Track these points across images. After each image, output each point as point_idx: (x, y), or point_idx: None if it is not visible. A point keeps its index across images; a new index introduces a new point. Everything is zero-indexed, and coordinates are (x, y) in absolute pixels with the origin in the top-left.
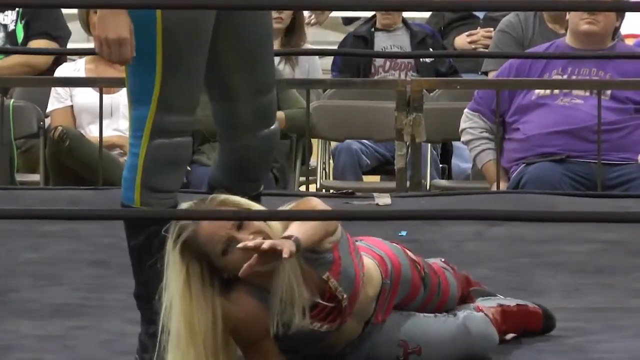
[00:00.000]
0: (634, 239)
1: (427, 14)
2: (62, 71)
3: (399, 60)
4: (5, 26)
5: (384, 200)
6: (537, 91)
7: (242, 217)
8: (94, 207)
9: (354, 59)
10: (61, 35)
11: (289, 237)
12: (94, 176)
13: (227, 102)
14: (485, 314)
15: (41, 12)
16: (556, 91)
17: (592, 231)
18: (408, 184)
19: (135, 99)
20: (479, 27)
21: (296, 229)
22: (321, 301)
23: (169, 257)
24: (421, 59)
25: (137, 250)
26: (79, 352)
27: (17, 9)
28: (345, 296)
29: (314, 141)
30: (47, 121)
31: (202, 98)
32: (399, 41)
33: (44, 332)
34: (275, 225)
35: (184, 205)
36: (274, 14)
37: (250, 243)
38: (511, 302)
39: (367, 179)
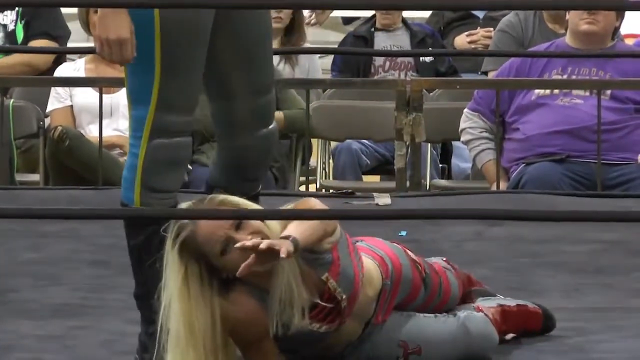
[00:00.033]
0: (634, 239)
1: (427, 14)
2: (61, 71)
3: (398, 60)
4: (4, 26)
5: (383, 200)
6: (537, 91)
7: (241, 216)
8: (93, 207)
9: (354, 59)
10: (61, 35)
11: (286, 237)
12: (94, 176)
13: (225, 101)
14: (485, 314)
15: (41, 11)
16: (556, 91)
17: (592, 231)
18: (408, 183)
19: (135, 98)
20: (478, 27)
21: (294, 229)
22: (320, 302)
23: (167, 256)
24: (421, 59)
25: (137, 250)
26: (79, 352)
27: (16, 9)
28: (344, 297)
29: (314, 141)
30: (47, 121)
31: (201, 97)
32: (399, 41)
33: (44, 332)
34: (274, 225)
35: (183, 206)
36: (273, 13)
37: (248, 243)
38: (511, 302)
39: (367, 179)
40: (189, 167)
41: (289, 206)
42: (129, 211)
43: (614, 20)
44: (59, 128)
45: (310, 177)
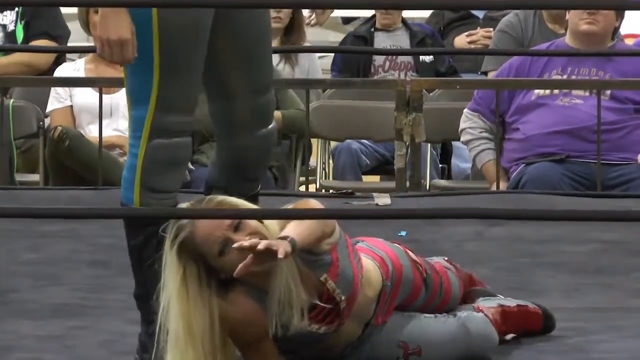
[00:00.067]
0: (634, 239)
1: (426, 14)
2: (61, 71)
3: (398, 60)
4: (4, 26)
5: (383, 200)
6: (536, 91)
7: (240, 216)
8: (93, 207)
9: (354, 59)
10: (61, 34)
11: (284, 238)
12: (94, 176)
13: (225, 101)
14: (485, 314)
15: (41, 11)
16: (556, 91)
17: (592, 231)
18: (408, 184)
19: (134, 99)
20: (478, 27)
21: (292, 229)
22: (319, 302)
23: (166, 257)
24: (421, 59)
25: (137, 250)
26: (79, 352)
27: (16, 9)
28: (343, 298)
29: (314, 141)
30: (47, 121)
31: (202, 98)
32: (399, 41)
33: (44, 332)
34: (272, 226)
35: (182, 206)
36: (273, 13)
37: (246, 243)
38: (511, 302)
39: (367, 179)
40: (191, 167)
41: (289, 207)
42: (128, 211)
43: (614, 20)
44: (59, 128)
45: (310, 177)
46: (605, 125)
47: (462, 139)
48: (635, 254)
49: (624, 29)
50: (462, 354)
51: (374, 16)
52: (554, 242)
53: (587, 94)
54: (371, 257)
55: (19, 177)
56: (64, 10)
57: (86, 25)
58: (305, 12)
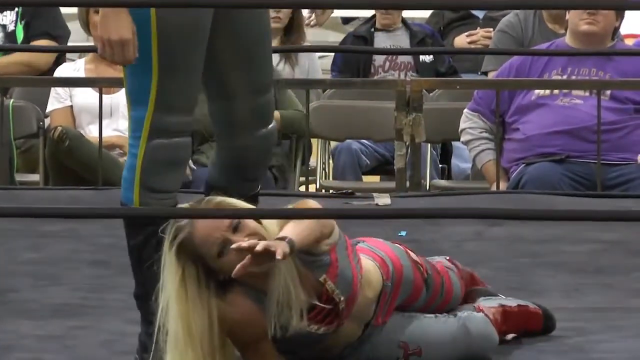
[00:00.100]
0: (634, 239)
1: (426, 14)
2: (61, 71)
3: (398, 60)
4: (4, 27)
5: (383, 200)
6: (536, 91)
7: (240, 216)
8: (93, 207)
9: (354, 59)
10: (61, 34)
11: (282, 239)
12: (94, 176)
13: (225, 101)
14: (485, 314)
15: (41, 11)
16: (556, 91)
17: (592, 231)
18: (408, 184)
19: (134, 99)
20: (478, 27)
21: (291, 230)
22: (318, 303)
23: (165, 258)
24: (421, 59)
25: (137, 250)
26: (79, 352)
27: (16, 9)
28: (342, 298)
29: (314, 141)
30: (47, 121)
31: (201, 98)
32: (399, 41)
33: (44, 332)
34: (271, 227)
35: (182, 207)
36: (272, 13)
37: (244, 244)
38: (512, 302)
39: (367, 179)
40: (193, 166)
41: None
42: (128, 210)
43: (614, 20)
44: (59, 128)
45: (310, 177)
46: (605, 125)
47: (462, 139)
48: (635, 254)
49: (624, 29)
50: (462, 354)
51: (374, 16)
52: (554, 242)
53: (587, 94)
54: (371, 257)
55: (19, 177)
56: (64, 10)
57: (86, 25)
58: (305, 13)
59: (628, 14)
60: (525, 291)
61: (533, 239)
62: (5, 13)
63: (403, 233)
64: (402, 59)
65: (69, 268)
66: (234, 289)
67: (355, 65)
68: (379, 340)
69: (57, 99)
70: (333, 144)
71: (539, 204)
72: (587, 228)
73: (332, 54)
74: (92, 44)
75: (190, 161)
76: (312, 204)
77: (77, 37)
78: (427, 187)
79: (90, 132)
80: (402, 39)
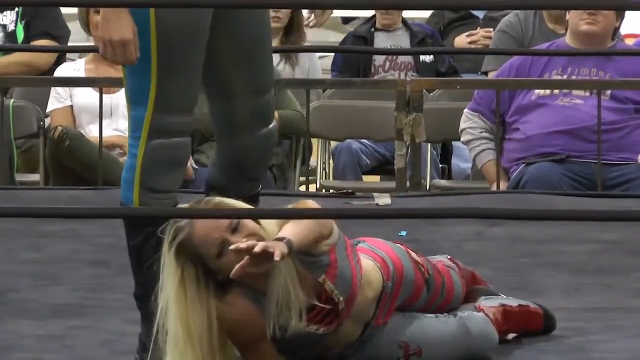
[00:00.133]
0: (634, 239)
1: (427, 14)
2: (61, 71)
3: (399, 60)
4: (4, 26)
5: (383, 200)
6: (537, 91)
7: (239, 216)
8: (93, 207)
9: (354, 59)
10: (61, 34)
11: (281, 239)
12: (94, 176)
13: (225, 100)
14: (485, 313)
15: (41, 11)
16: (556, 91)
17: (592, 231)
18: (408, 184)
19: (133, 99)
20: (478, 27)
21: (289, 231)
22: (318, 303)
23: (164, 259)
24: (421, 59)
25: (137, 250)
26: (79, 352)
27: (16, 9)
28: (341, 299)
29: (314, 141)
30: (47, 121)
31: (201, 97)
32: (399, 41)
33: (44, 332)
34: (270, 228)
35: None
36: (272, 13)
37: (243, 245)
38: (513, 302)
39: (367, 178)
40: (195, 166)
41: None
42: (128, 211)
43: (614, 20)
44: (59, 128)
45: (310, 177)
46: (605, 125)
47: (462, 139)
48: (635, 254)
49: (624, 29)
50: (462, 354)
51: (374, 16)
52: (554, 242)
53: (588, 94)
54: (372, 257)
55: (19, 177)
56: (64, 10)
57: (86, 25)
58: (304, 13)
59: (628, 14)
60: (525, 291)
61: (533, 239)
62: (5, 13)
63: (403, 233)
64: (402, 58)
65: (69, 268)
66: (233, 290)
67: (355, 65)
68: (379, 340)
69: (57, 98)
70: (333, 143)
71: (539, 204)
72: (587, 228)
73: (332, 53)
74: (92, 44)
75: (192, 161)
76: (312, 204)
77: (77, 37)
78: (428, 187)
79: (91, 131)
80: (402, 39)
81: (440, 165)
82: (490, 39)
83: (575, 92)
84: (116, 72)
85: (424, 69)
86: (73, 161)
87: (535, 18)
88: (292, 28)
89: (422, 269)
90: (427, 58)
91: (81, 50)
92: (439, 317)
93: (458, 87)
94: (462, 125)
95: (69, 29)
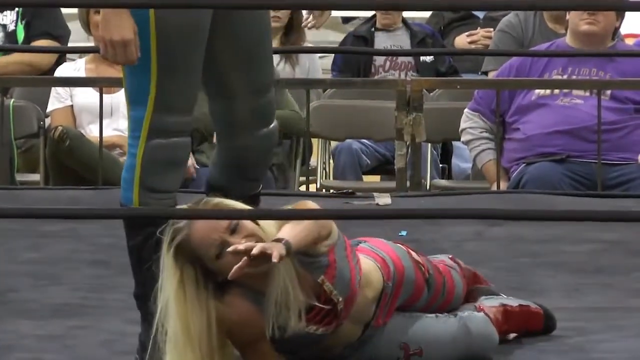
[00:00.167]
0: (634, 239)
1: (427, 14)
2: (62, 71)
3: (399, 60)
4: (4, 26)
5: (384, 200)
6: (537, 91)
7: (239, 216)
8: (93, 207)
9: (354, 59)
10: (62, 34)
11: (279, 240)
12: (94, 176)
13: (225, 100)
14: (486, 313)
15: (42, 11)
16: (556, 91)
17: (592, 231)
18: (408, 183)
19: (133, 99)
20: (479, 27)
21: (288, 232)
22: (317, 304)
23: (163, 260)
24: (421, 59)
25: (136, 250)
26: (79, 352)
27: (17, 9)
28: (340, 299)
29: (314, 141)
30: (47, 121)
31: (201, 97)
32: (399, 41)
33: (44, 332)
34: (269, 228)
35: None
36: (271, 12)
37: (241, 246)
38: (514, 302)
39: (367, 178)
40: (197, 166)
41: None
42: (128, 211)
43: (614, 20)
44: (60, 128)
45: (310, 177)
46: (605, 125)
47: (462, 138)
48: (635, 254)
49: (624, 29)
50: (462, 353)
51: (374, 16)
52: (554, 242)
53: (588, 94)
54: (372, 258)
55: (20, 177)
56: (64, 10)
57: (86, 25)
58: (303, 14)
59: (628, 13)
60: (525, 291)
61: (533, 239)
62: (5, 13)
63: (403, 233)
64: (402, 58)
65: (69, 268)
66: (233, 290)
67: (355, 65)
68: (379, 340)
69: (58, 98)
70: (333, 143)
71: (539, 203)
72: (587, 228)
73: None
74: (92, 44)
75: (194, 160)
76: (311, 205)
77: (78, 37)
78: (428, 187)
79: (91, 131)
80: (402, 39)
81: (441, 165)
82: (490, 39)
83: (575, 92)
84: (116, 72)
85: (424, 69)
86: (73, 161)
87: (536, 18)
88: (292, 28)
89: (423, 269)
90: (428, 58)
91: (81, 51)
92: (439, 317)
93: (458, 87)
94: (462, 125)
95: (69, 29)
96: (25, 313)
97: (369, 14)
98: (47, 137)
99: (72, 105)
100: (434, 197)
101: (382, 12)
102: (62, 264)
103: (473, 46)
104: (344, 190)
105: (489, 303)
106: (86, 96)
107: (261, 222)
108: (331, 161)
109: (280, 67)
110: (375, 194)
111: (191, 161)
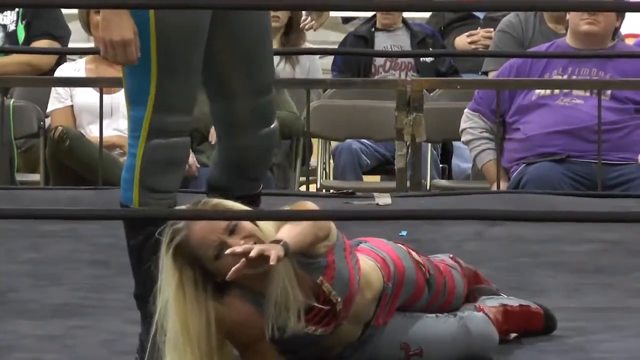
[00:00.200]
0: (634, 239)
1: (427, 14)
2: (62, 71)
3: (399, 60)
4: (4, 26)
5: (384, 200)
6: (537, 91)
7: (239, 217)
8: (93, 207)
9: (355, 59)
10: (62, 35)
11: (277, 242)
12: (94, 176)
13: (225, 100)
14: (485, 313)
15: (42, 12)
16: (556, 91)
17: (592, 231)
18: (408, 184)
19: (133, 99)
20: (479, 27)
21: (286, 233)
22: (316, 304)
23: (162, 261)
24: (421, 59)
25: (136, 250)
26: (79, 352)
27: (17, 9)
28: (339, 300)
29: (314, 141)
30: (47, 121)
31: (202, 96)
32: (399, 41)
33: (44, 332)
34: (268, 229)
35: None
36: (271, 12)
37: (239, 249)
38: (514, 302)
39: (367, 178)
40: (198, 164)
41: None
42: (128, 212)
43: (615, 20)
44: (60, 128)
45: (310, 177)
46: (605, 125)
47: (462, 139)
48: (635, 254)
49: (624, 29)
50: (462, 354)
51: (374, 16)
52: (554, 242)
53: (588, 94)
54: (373, 258)
55: (20, 177)
56: (64, 10)
57: (87, 26)
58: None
59: (628, 13)
60: (525, 291)
61: (533, 239)
62: (5, 13)
63: (404, 233)
64: (402, 59)
65: (69, 268)
66: (232, 291)
67: (355, 65)
68: (380, 340)
69: (58, 98)
70: (333, 143)
71: (539, 204)
72: (587, 228)
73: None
74: (92, 44)
75: (195, 158)
76: (310, 205)
77: (78, 37)
78: (428, 187)
79: (91, 131)
80: (402, 39)
81: (441, 165)
82: (490, 39)
83: (575, 92)
84: (116, 72)
85: (424, 69)
86: (73, 161)
87: (536, 18)
88: (292, 28)
89: (424, 269)
90: (428, 58)
91: (81, 52)
92: (439, 317)
93: (458, 87)
94: (463, 125)
95: (69, 29)
96: (25, 313)
97: (369, 14)
98: (47, 137)
99: (72, 106)
100: (434, 197)
101: (382, 12)
102: (62, 264)
103: (473, 46)
104: (344, 191)
105: (489, 303)
106: (86, 96)
107: (260, 222)
108: (331, 161)
109: (281, 67)
110: (375, 194)
111: (193, 159)
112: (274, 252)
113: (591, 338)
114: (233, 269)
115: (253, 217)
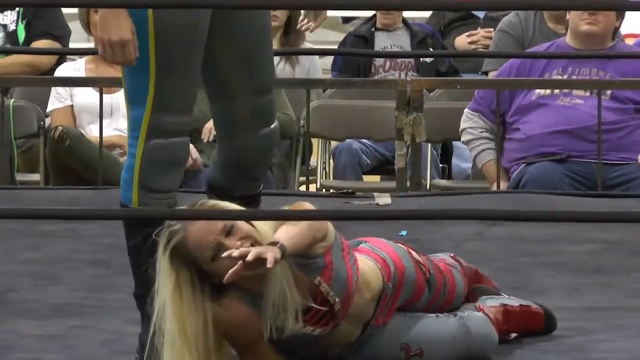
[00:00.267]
0: (634, 239)
1: (427, 14)
2: (62, 71)
3: (399, 60)
4: (5, 26)
5: (384, 200)
6: (537, 91)
7: (238, 217)
8: (93, 207)
9: (354, 59)
10: (62, 34)
11: (274, 244)
12: (94, 176)
13: (225, 100)
14: (485, 313)
15: (42, 11)
16: (556, 91)
17: (592, 231)
18: (408, 183)
19: (132, 99)
20: (479, 27)
21: (283, 234)
22: (314, 305)
23: (159, 262)
24: (421, 59)
25: (136, 250)
26: (79, 352)
27: (17, 9)
28: (337, 300)
29: (314, 141)
30: (47, 121)
31: (201, 96)
32: (399, 41)
33: (44, 332)
34: (265, 230)
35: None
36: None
37: (235, 252)
38: (514, 302)
39: (367, 178)
40: (202, 160)
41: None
42: (128, 212)
43: (614, 20)
44: (60, 128)
45: (310, 177)
46: (605, 125)
47: (462, 138)
48: (635, 254)
49: (624, 29)
50: (462, 353)
51: (374, 16)
52: (554, 242)
53: (588, 93)
54: (373, 258)
55: (20, 176)
56: (64, 10)
57: (87, 25)
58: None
59: (628, 13)
60: (525, 291)
61: (533, 239)
62: (6, 13)
63: (404, 233)
64: (402, 58)
65: (69, 268)
66: (229, 293)
67: (355, 65)
68: (380, 340)
69: (58, 98)
70: (333, 143)
71: (539, 204)
72: (587, 228)
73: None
74: (92, 44)
75: (198, 154)
76: (308, 206)
77: (78, 37)
78: (428, 187)
79: (91, 131)
80: (402, 39)
81: (441, 165)
82: (490, 39)
83: (575, 92)
84: (116, 72)
85: (424, 69)
86: (73, 161)
87: (536, 18)
88: (291, 27)
89: (424, 268)
90: (428, 58)
91: (81, 53)
92: (439, 317)
93: (458, 87)
94: (463, 125)
95: (69, 29)
96: (25, 313)
97: (369, 14)
98: (47, 137)
99: (72, 105)
100: (434, 197)
101: (382, 12)
102: (62, 264)
103: (473, 46)
104: (344, 190)
105: (490, 303)
106: (86, 96)
107: (257, 223)
108: (331, 161)
109: (280, 67)
110: (375, 194)
111: (196, 154)
112: (271, 255)
113: (591, 338)
114: (230, 271)
115: (252, 217)
